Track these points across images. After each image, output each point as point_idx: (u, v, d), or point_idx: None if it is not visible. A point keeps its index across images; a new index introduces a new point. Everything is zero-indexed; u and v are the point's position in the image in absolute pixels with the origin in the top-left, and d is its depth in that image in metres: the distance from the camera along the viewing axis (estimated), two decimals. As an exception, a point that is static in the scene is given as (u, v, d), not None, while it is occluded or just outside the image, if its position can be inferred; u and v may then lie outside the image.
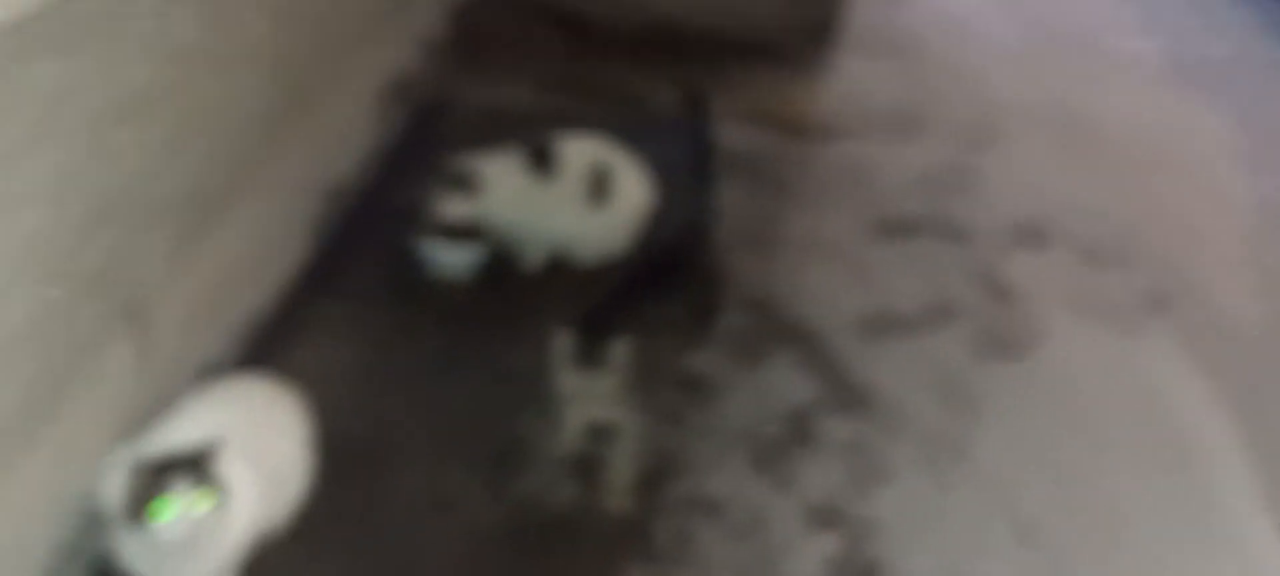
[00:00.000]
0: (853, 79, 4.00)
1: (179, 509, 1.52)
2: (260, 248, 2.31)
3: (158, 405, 1.80)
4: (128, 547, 1.60)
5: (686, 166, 2.84)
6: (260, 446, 1.75)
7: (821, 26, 4.12)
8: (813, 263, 2.88)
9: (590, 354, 2.16)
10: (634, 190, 2.72)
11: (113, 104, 1.61)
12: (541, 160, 2.61)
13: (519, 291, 2.66)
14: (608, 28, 4.10)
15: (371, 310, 2.54)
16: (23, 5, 1.30)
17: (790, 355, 2.51)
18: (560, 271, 2.72)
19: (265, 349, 2.29)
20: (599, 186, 2.63)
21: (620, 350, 2.17)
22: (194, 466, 1.55)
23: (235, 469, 1.62)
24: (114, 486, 1.57)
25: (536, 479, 2.10)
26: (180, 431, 1.69)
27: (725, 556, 1.99)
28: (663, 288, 2.66)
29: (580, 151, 2.66)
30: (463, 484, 2.08)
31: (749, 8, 4.17)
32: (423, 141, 3.21)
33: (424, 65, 3.34)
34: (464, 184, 2.59)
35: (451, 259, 2.63)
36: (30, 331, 1.49)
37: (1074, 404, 2.43)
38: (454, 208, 2.58)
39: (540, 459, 2.15)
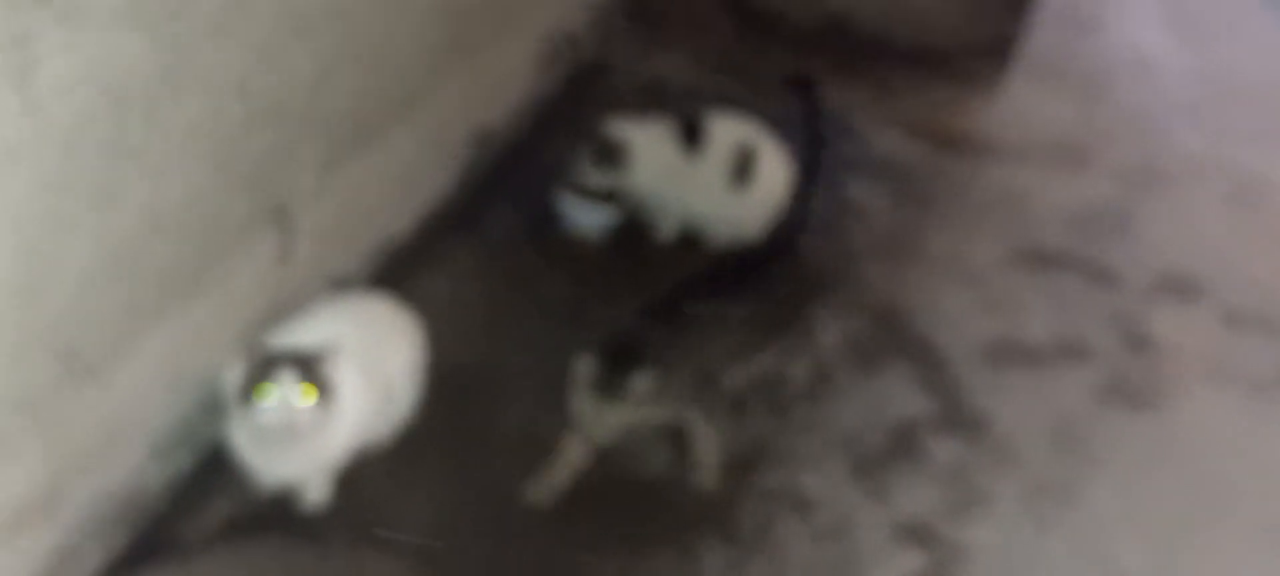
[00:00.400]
0: (1021, 102, 3.88)
1: (281, 395, 1.61)
2: (406, 177, 2.40)
3: (289, 306, 1.91)
4: (236, 431, 1.71)
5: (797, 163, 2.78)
6: (374, 360, 1.84)
7: (998, 46, 4.00)
8: (947, 281, 2.82)
9: (610, 382, 2.11)
10: (775, 176, 2.72)
11: (291, 14, 1.70)
12: (691, 135, 2.63)
13: (648, 260, 2.70)
14: (776, 16, 4.08)
15: (503, 254, 2.61)
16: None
17: (908, 369, 2.47)
18: (691, 247, 2.75)
19: (397, 272, 2.39)
20: (742, 168, 2.64)
21: (640, 382, 2.12)
22: (305, 364, 1.64)
23: (347, 377, 1.71)
24: (233, 374, 1.67)
25: (631, 440, 2.14)
26: (303, 332, 1.79)
27: (805, 555, 1.99)
28: (736, 286, 2.64)
29: (729, 131, 2.67)
30: (562, 431, 2.13)
31: (926, 17, 4.08)
32: (578, 100, 3.28)
33: (589, 25, 3.39)
34: (611, 149, 2.64)
35: (588, 219, 2.69)
36: (180, 213, 1.59)
37: (1196, 468, 2.32)
38: (597, 170, 2.63)
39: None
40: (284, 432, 1.65)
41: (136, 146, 1.44)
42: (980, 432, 2.32)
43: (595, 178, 2.63)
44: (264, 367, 1.63)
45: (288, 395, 1.62)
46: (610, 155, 2.62)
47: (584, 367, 2.15)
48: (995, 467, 2.23)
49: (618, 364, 2.13)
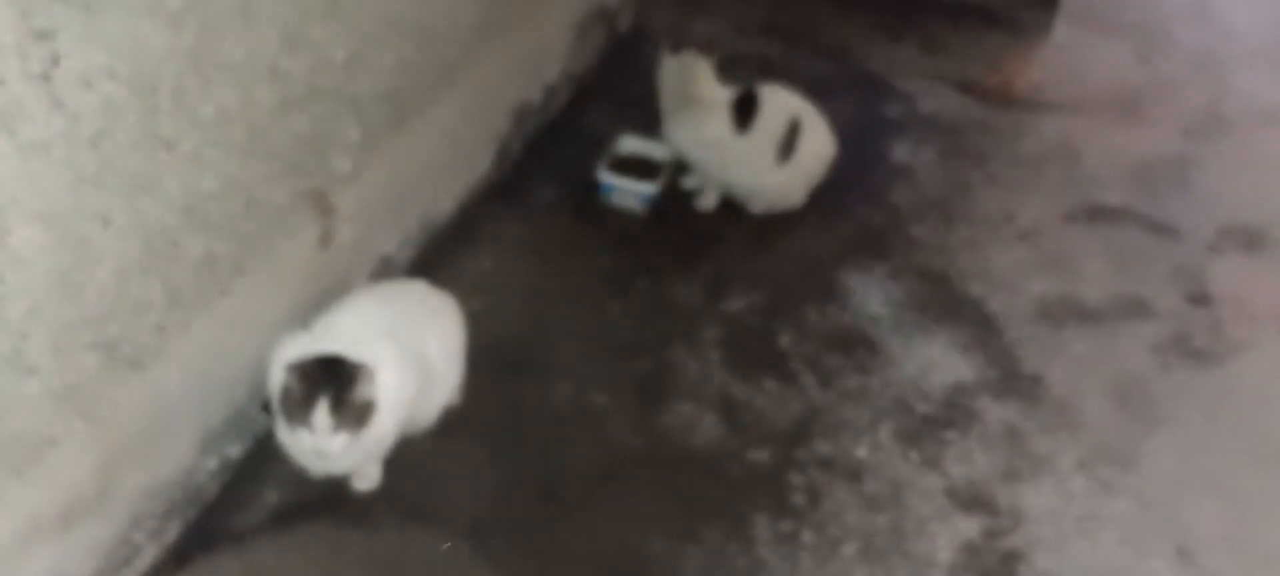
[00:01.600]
0: (1072, 52, 3.77)
1: (313, 438, 1.60)
2: (446, 155, 2.39)
3: (334, 290, 1.91)
4: (280, 431, 1.70)
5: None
6: (416, 346, 1.82)
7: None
8: (1000, 240, 2.75)
9: None
10: (819, 146, 2.67)
11: (316, -1, 1.69)
12: (745, 113, 2.59)
13: (690, 229, 2.67)
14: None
15: (546, 228, 2.60)
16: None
17: (960, 332, 2.42)
18: (733, 218, 2.71)
19: (441, 251, 2.39)
20: (789, 141, 2.59)
21: None
22: (340, 389, 1.60)
23: (387, 366, 1.69)
24: (277, 374, 1.66)
25: (679, 410, 2.11)
26: (344, 321, 1.78)
27: (857, 522, 1.95)
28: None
29: (777, 104, 2.63)
30: (609, 405, 2.11)
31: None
32: (617, 71, 3.24)
33: (627, -5, 3.35)
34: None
35: (629, 191, 2.66)
36: (217, 201, 1.59)
37: (1264, 426, 2.24)
38: (639, 143, 2.60)
39: (684, 391, 2.16)
40: (327, 452, 1.64)
41: (168, 137, 1.44)
42: (1036, 395, 2.26)
43: (638, 145, 2.60)
44: (300, 387, 1.60)
45: (320, 434, 1.59)
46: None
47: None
48: (1051, 431, 2.17)
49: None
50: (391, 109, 2.06)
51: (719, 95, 2.61)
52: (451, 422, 1.99)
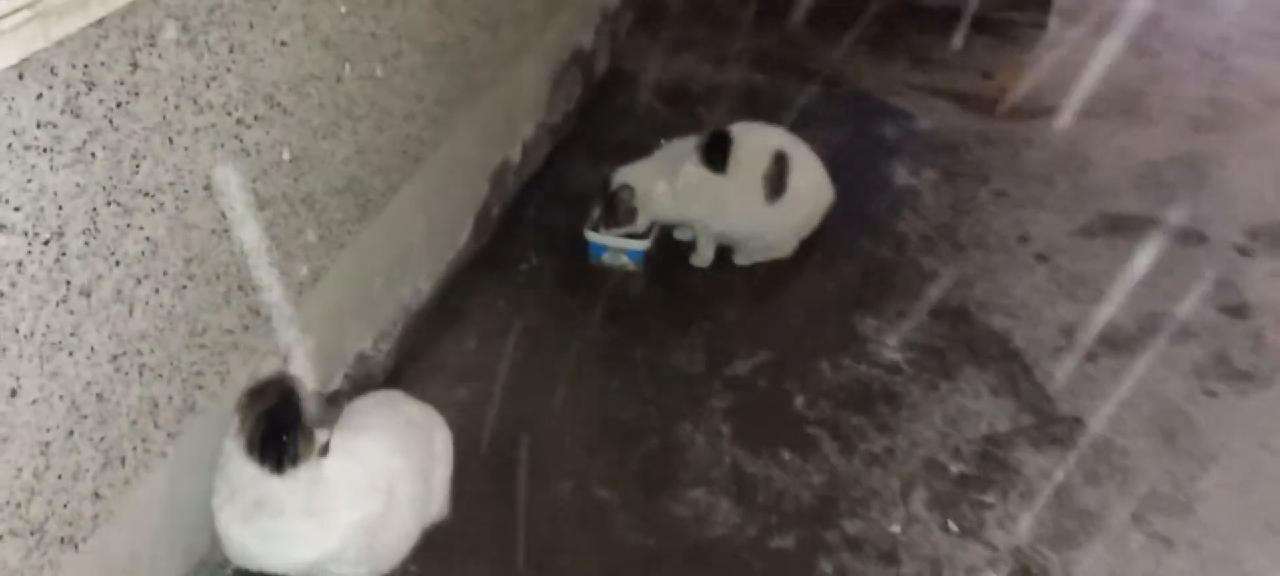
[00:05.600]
0: (1068, 52, 3.61)
1: None
2: (421, 234, 2.21)
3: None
4: None
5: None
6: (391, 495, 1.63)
7: (1036, -8, 3.75)
8: (1017, 264, 2.58)
9: None
10: (811, 187, 2.50)
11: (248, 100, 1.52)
12: (715, 158, 2.41)
13: (686, 287, 2.49)
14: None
15: (533, 299, 2.42)
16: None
17: (986, 373, 2.24)
18: (730, 270, 2.53)
19: (422, 338, 2.21)
20: (777, 178, 2.42)
21: None
22: None
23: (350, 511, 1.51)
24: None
25: (689, 498, 1.93)
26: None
27: (899, 612, 1.77)
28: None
29: (759, 143, 2.45)
30: (613, 499, 1.92)
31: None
32: (596, 117, 3.07)
33: (598, 36, 3.18)
34: (633, 179, 2.44)
35: (620, 249, 2.49)
36: (153, 340, 1.40)
37: (1328, 452, 2.07)
38: (624, 200, 2.42)
39: (694, 473, 1.98)
40: None
41: (83, 283, 1.24)
42: (1076, 439, 2.08)
43: (623, 202, 2.42)
44: None
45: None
46: (631, 180, 2.42)
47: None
48: (1099, 480, 1.99)
49: None
50: (353, 200, 1.88)
51: (683, 148, 2.44)
52: (439, 540, 1.79)
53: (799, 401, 2.16)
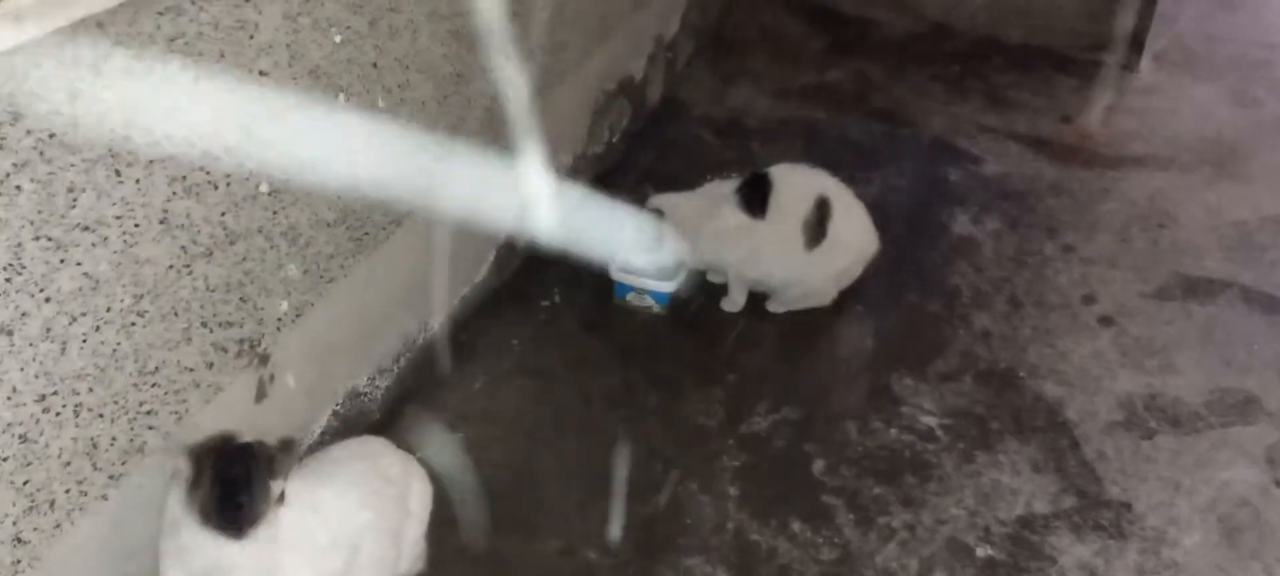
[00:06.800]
0: (1158, 99, 3.38)
1: None
2: (429, 269, 2.13)
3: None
4: None
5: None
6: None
7: (1125, 33, 3.51)
8: (1079, 327, 2.38)
9: None
10: (854, 234, 2.35)
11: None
12: (754, 203, 2.29)
13: (713, 333, 2.36)
14: (867, 25, 3.69)
15: (548, 339, 2.31)
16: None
17: (1030, 447, 2.06)
18: (762, 316, 2.39)
19: (426, 374, 2.13)
20: (818, 225, 2.28)
21: None
22: None
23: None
24: None
25: (685, 565, 1.79)
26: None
27: None
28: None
29: (802, 187, 2.31)
30: (603, 564, 1.80)
31: (1040, 10, 3.62)
32: (641, 149, 2.96)
33: (654, 68, 3.07)
34: (667, 206, 2.33)
35: (647, 289, 2.37)
36: (93, 378, 1.33)
37: None
38: (654, 241, 2.31)
39: (694, 539, 1.85)
40: None
41: (3, 320, 1.19)
42: (1124, 529, 1.88)
43: (653, 242, 2.31)
44: None
45: None
46: (665, 217, 2.32)
47: None
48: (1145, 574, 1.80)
49: None
50: (346, 233, 1.80)
51: (723, 188, 2.32)
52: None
53: (818, 465, 2.01)
